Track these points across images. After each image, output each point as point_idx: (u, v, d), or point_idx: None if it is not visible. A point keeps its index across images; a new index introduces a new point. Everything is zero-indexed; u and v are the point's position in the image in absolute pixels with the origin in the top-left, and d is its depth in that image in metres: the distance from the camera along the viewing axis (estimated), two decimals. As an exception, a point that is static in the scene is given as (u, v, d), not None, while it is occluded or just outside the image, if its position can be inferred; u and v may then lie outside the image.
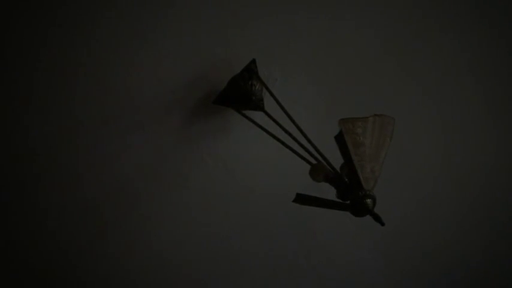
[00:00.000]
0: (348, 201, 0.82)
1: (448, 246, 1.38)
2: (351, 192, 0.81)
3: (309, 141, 0.96)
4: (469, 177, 1.32)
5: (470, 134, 1.28)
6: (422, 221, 1.34)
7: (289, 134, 0.98)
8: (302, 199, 0.86)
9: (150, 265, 1.25)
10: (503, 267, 1.45)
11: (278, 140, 1.00)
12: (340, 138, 0.80)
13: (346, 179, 0.84)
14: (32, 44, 1.04)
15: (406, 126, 1.17)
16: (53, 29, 1.04)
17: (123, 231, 1.21)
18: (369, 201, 0.79)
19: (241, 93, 1.05)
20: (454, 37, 1.21)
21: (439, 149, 1.28)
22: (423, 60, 1.21)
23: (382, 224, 0.78)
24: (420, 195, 1.32)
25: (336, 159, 0.86)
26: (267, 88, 1.06)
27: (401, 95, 1.23)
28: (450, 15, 1.19)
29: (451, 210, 1.35)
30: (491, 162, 1.32)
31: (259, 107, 1.05)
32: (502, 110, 1.28)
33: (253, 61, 1.07)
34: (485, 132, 1.29)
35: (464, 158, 1.30)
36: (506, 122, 1.29)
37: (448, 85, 1.23)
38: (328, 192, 0.86)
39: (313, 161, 0.93)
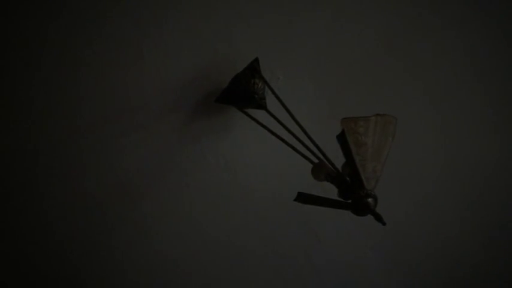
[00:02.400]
0: (350, 201, 0.82)
1: (450, 245, 1.38)
2: (352, 192, 0.81)
3: (311, 140, 0.96)
4: (470, 177, 1.32)
5: (471, 134, 1.28)
6: (424, 220, 1.34)
7: (291, 133, 0.98)
8: (303, 198, 0.86)
9: (151, 263, 1.26)
10: (503, 268, 1.45)
11: (280, 138, 1.00)
12: (342, 138, 0.80)
13: (348, 178, 0.84)
14: (34, 43, 1.04)
15: (407, 125, 1.18)
16: (55, 28, 1.04)
17: (125, 229, 1.21)
18: (370, 200, 0.79)
19: (243, 91, 1.05)
20: (456, 37, 1.20)
21: (440, 149, 1.28)
22: (425, 60, 1.20)
23: (384, 224, 0.78)
24: (421, 195, 1.32)
25: (338, 159, 0.87)
26: (269, 87, 1.06)
27: (403, 94, 1.22)
28: (452, 15, 1.19)
29: (452, 210, 1.35)
30: (493, 162, 1.31)
31: (262, 105, 1.05)
32: (504, 110, 1.28)
33: (256, 60, 1.07)
34: (487, 132, 1.28)
35: (466, 158, 1.29)
36: (509, 123, 1.29)
37: (450, 85, 1.23)
38: (330, 191, 0.86)
39: (315, 160, 0.94)
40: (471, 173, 1.31)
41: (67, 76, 1.07)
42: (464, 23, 1.20)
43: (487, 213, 1.36)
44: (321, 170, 0.90)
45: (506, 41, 1.22)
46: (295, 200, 0.86)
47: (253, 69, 1.06)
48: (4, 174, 1.12)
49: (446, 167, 1.30)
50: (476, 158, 1.30)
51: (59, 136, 1.10)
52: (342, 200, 0.84)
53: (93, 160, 1.14)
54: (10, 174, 1.12)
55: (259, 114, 1.05)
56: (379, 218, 0.78)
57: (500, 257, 1.43)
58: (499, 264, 1.44)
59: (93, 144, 1.12)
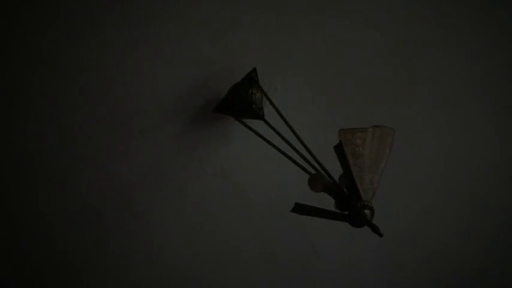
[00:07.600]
0: (347, 212, 0.82)
1: (449, 256, 1.38)
2: (349, 203, 0.81)
3: (308, 151, 0.96)
4: (470, 186, 1.31)
5: (473, 142, 1.27)
6: (421, 231, 1.34)
7: (289, 144, 0.98)
8: (300, 209, 0.85)
9: (148, 272, 1.25)
10: (503, 274, 1.44)
11: (277, 149, 1.00)
12: (339, 149, 0.80)
13: (345, 190, 0.84)
14: (32, 46, 1.04)
15: (406, 135, 1.17)
16: (54, 36, 1.04)
17: (122, 237, 1.21)
18: (367, 212, 0.79)
19: (241, 101, 1.05)
20: (457, 39, 1.20)
21: (440, 157, 1.28)
22: (425, 69, 1.21)
23: (380, 235, 0.78)
24: (419, 205, 1.31)
25: (335, 170, 0.86)
26: (267, 97, 1.06)
27: (403, 105, 1.22)
28: (453, 17, 1.19)
29: (451, 220, 1.34)
30: (493, 170, 1.31)
31: (259, 115, 1.05)
32: (506, 117, 1.27)
33: (254, 70, 1.07)
34: (488, 140, 1.28)
35: (466, 166, 1.29)
36: (510, 130, 1.29)
37: (450, 88, 1.23)
38: (327, 202, 0.86)
39: (312, 171, 0.93)
40: (471, 181, 1.31)
41: (66, 84, 1.07)
42: (467, 27, 1.20)
43: (488, 222, 1.36)
44: (318, 181, 0.90)
45: (505, 42, 1.22)
46: (292, 210, 0.86)
47: (251, 79, 1.06)
48: (2, 179, 1.11)
49: (445, 176, 1.29)
50: (476, 166, 1.29)
51: (57, 143, 1.11)
52: (339, 211, 0.84)
53: (90, 167, 1.14)
54: (8, 179, 1.12)
55: (257, 124, 1.06)
56: (375, 230, 0.78)
57: (501, 266, 1.42)
58: (500, 274, 1.43)
59: (91, 152, 1.12)
